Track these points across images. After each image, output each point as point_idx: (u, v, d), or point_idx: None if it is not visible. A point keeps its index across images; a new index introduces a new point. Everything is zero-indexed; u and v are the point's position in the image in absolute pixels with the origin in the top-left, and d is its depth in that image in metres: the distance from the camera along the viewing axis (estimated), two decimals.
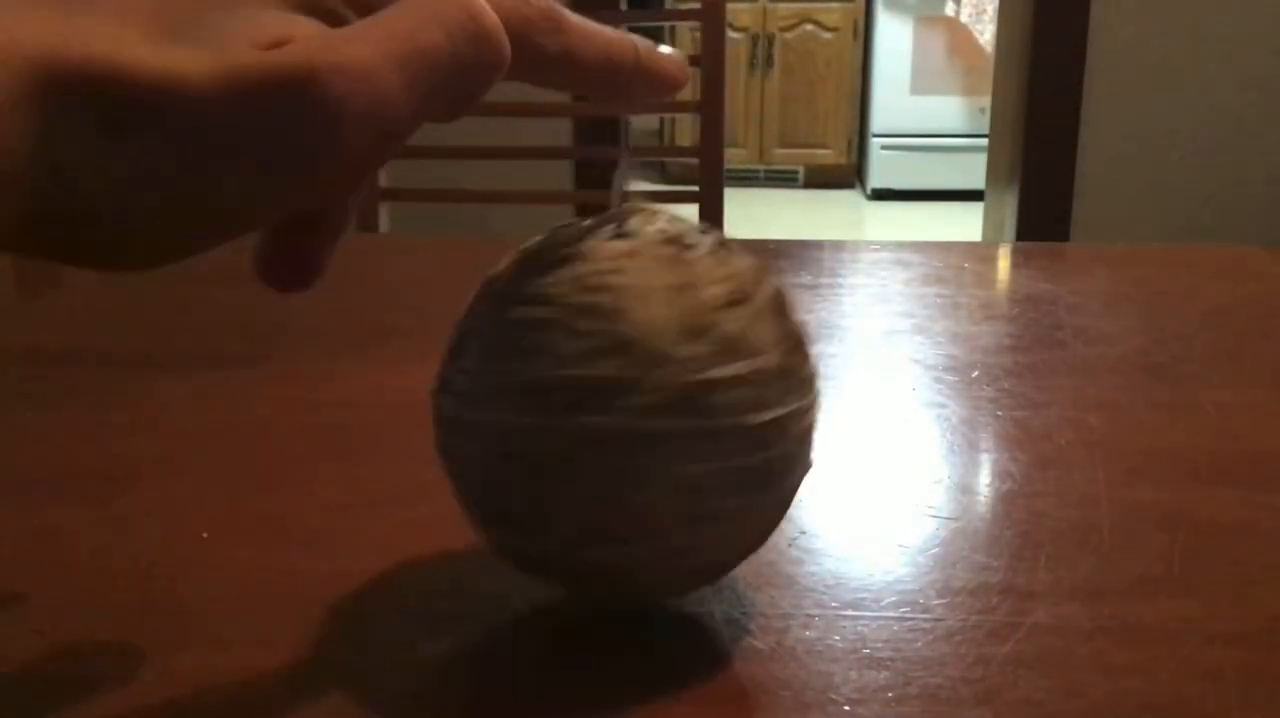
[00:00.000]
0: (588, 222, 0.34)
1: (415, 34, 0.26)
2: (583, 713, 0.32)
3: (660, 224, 0.33)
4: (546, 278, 0.32)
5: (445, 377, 0.34)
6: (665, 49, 0.32)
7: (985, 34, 4.14)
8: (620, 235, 0.33)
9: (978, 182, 4.04)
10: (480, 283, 0.34)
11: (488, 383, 0.32)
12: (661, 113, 5.07)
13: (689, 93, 4.52)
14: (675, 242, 0.33)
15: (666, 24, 4.45)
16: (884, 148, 4.79)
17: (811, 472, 0.47)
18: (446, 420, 0.33)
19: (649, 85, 0.32)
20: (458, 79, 0.27)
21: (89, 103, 0.23)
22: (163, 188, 0.25)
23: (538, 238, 0.34)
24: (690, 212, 1.39)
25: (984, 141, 3.09)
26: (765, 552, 0.41)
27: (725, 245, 0.34)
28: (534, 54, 0.29)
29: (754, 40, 4.84)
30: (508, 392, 0.31)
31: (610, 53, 0.31)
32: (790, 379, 0.33)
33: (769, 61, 4.85)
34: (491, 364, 0.32)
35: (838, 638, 0.35)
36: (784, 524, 0.43)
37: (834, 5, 4.80)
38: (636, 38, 0.31)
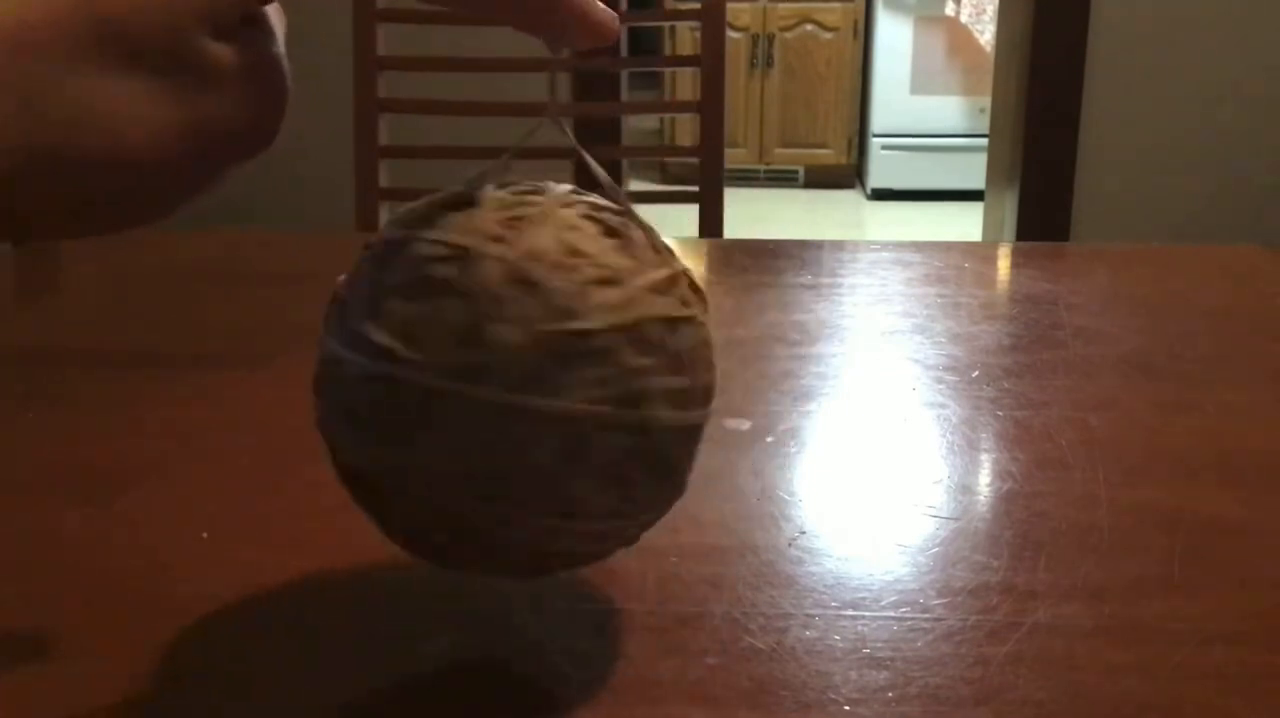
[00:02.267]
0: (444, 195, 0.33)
1: None
2: (580, 711, 0.32)
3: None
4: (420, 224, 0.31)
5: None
6: (599, 4, 0.33)
7: (985, 34, 4.14)
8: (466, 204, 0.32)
9: (978, 181, 4.03)
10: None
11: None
12: (661, 113, 5.07)
13: (689, 93, 4.52)
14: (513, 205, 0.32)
15: (666, 24, 4.45)
16: (884, 148, 4.79)
17: (811, 472, 0.47)
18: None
19: (582, 29, 0.32)
20: None
21: None
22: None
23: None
24: (690, 212, 1.39)
25: (984, 141, 3.09)
26: (765, 552, 0.41)
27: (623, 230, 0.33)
28: None
29: (754, 40, 4.84)
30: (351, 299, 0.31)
31: None
32: (545, 370, 0.29)
33: (769, 61, 4.85)
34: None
35: (838, 638, 0.35)
36: (783, 524, 0.43)
37: (834, 5, 4.80)
38: None
